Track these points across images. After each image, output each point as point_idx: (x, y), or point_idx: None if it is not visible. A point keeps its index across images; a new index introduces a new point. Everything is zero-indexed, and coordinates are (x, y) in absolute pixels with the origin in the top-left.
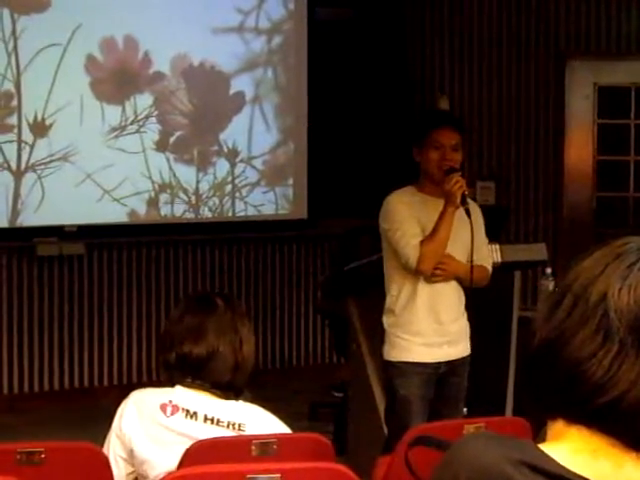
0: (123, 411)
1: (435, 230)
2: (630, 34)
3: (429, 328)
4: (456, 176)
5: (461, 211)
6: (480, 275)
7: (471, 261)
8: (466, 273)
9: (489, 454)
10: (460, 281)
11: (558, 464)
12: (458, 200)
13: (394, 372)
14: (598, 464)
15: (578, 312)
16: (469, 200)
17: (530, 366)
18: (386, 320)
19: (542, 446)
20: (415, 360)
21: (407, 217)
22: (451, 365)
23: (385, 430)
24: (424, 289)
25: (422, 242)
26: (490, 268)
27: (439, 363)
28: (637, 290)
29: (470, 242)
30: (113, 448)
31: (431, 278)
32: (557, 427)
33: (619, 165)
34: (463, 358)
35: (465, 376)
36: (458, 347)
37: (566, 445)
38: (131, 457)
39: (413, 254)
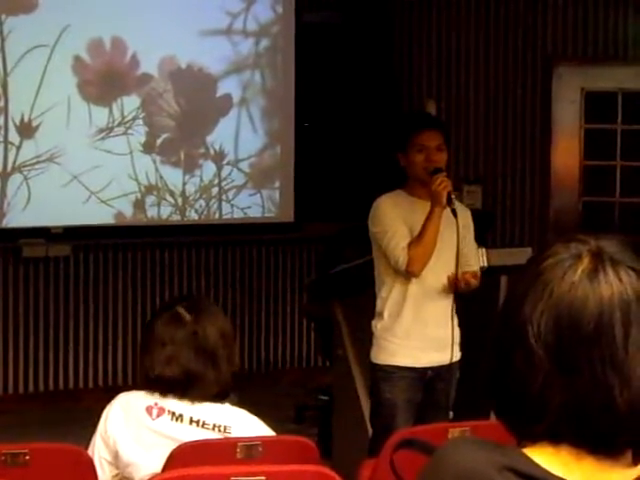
0: (108, 413)
1: (422, 231)
2: (617, 39)
3: (416, 332)
4: (441, 176)
5: (447, 212)
6: (475, 281)
7: (456, 265)
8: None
9: (474, 459)
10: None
11: (543, 469)
12: (444, 200)
13: (380, 375)
14: (581, 468)
15: (509, 339)
16: (458, 203)
17: (490, 387)
18: (375, 324)
19: (526, 451)
20: (402, 364)
21: (396, 219)
22: (438, 371)
23: (370, 433)
24: (413, 293)
25: (410, 244)
26: (479, 272)
27: (426, 368)
28: (551, 316)
29: (456, 243)
30: (98, 450)
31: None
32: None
33: (605, 170)
34: (451, 364)
35: (453, 382)
36: (445, 353)
37: (547, 451)
38: (116, 459)
39: (403, 256)
